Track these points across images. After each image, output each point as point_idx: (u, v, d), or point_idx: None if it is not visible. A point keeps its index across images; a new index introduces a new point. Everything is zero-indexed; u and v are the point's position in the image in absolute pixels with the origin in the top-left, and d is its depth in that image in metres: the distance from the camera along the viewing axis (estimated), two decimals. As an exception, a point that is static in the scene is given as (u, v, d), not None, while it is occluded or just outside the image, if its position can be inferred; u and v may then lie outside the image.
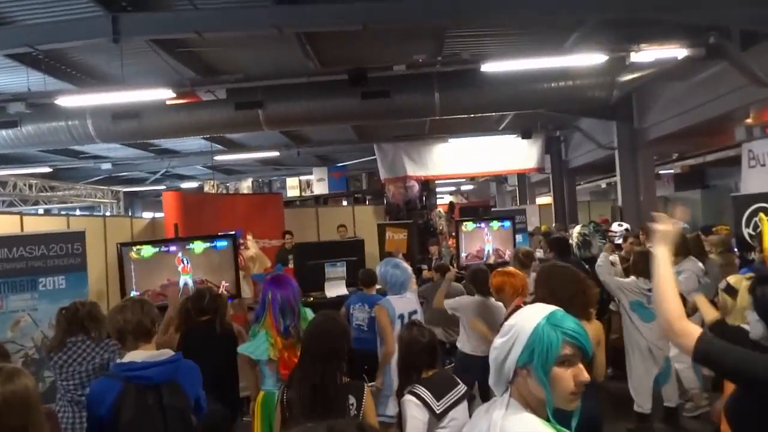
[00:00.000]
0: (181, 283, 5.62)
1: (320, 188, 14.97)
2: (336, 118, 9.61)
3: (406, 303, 4.17)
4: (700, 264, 5.28)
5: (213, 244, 5.90)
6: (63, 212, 13.30)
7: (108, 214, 13.68)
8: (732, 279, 4.00)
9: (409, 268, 4.38)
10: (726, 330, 2.92)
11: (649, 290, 4.85)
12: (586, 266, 6.25)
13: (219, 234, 6.27)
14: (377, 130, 13.58)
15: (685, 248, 5.28)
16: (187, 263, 5.63)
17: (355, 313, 5.17)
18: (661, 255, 1.85)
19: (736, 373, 1.75)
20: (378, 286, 5.06)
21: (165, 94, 7.48)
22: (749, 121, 10.05)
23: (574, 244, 6.75)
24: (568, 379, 1.39)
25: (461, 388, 2.72)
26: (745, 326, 2.59)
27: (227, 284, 5.77)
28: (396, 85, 8.46)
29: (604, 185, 20.29)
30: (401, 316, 4.01)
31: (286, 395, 2.54)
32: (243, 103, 8.44)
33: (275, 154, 14.77)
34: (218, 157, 14.35)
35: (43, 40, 6.55)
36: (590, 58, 7.47)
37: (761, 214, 5.53)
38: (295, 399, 2.49)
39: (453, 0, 6.56)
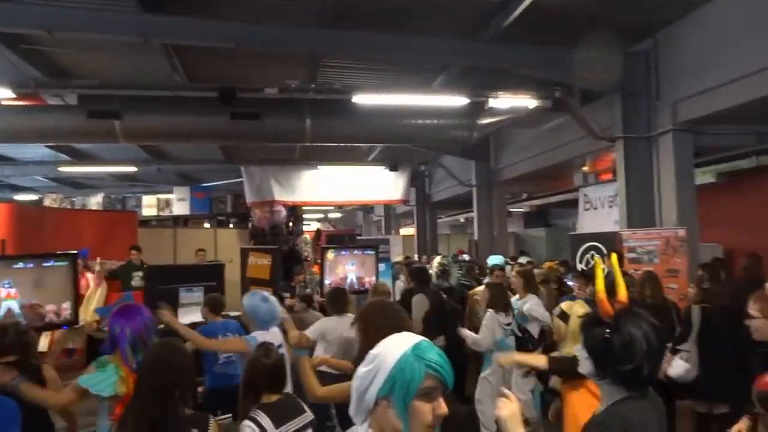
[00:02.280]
0: (3, 310, 4.94)
1: (181, 208, 14.14)
2: (202, 137, 9.21)
3: (271, 338, 4.02)
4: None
5: (48, 264, 5.28)
6: None
7: None
8: (564, 306, 4.45)
9: (277, 302, 4.21)
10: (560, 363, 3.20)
11: (508, 324, 5.19)
12: (444, 295, 6.58)
13: (55, 253, 5.63)
14: (245, 152, 13.24)
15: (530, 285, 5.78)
16: (11, 287, 4.96)
17: None
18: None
19: None
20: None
21: (4, 94, 6.66)
22: (585, 168, 11.34)
23: (433, 274, 7.06)
24: (427, 412, 1.36)
25: (307, 416, 2.66)
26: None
27: (66, 309, 5.19)
28: (267, 108, 8.34)
29: (462, 219, 21.58)
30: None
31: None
32: (97, 112, 7.77)
33: (132, 169, 13.72)
34: (64, 169, 13.01)
35: None
36: (454, 100, 7.98)
37: (597, 258, 6.16)
38: None
39: (327, 32, 6.68)
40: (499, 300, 5.23)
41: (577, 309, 4.22)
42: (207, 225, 14.37)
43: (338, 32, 6.74)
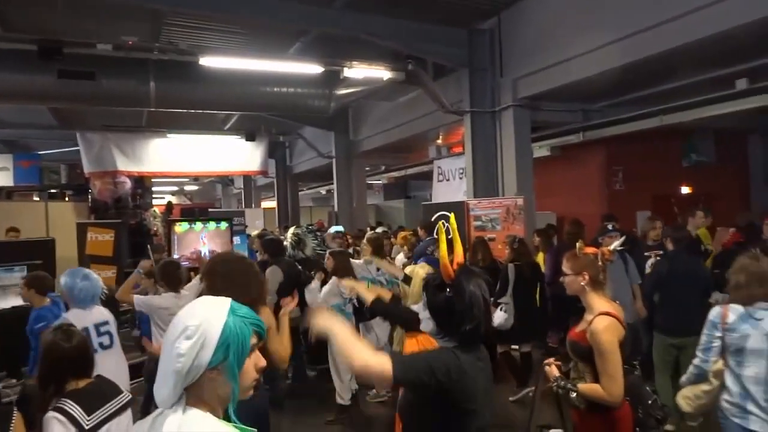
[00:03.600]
0: None
1: (3, 179, 12.43)
2: (24, 97, 8.07)
3: (93, 315, 3.67)
4: None
5: None
6: None
7: None
8: (408, 269, 4.65)
9: (98, 279, 3.83)
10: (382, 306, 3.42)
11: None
12: (299, 267, 6.51)
13: None
14: (83, 117, 11.93)
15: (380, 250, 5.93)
16: None
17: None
18: (336, 329, 1.98)
19: (432, 374, 1.90)
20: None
21: None
22: (439, 141, 11.82)
23: (288, 245, 6.95)
24: (251, 369, 1.39)
25: (124, 397, 2.45)
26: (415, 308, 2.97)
27: None
28: (103, 67, 7.55)
29: (324, 192, 21.58)
30: (86, 329, 3.48)
31: None
32: None
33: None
34: None
35: None
36: (309, 68, 7.82)
37: (440, 223, 6.45)
38: None
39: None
40: (341, 267, 5.30)
41: (419, 271, 4.40)
42: (37, 198, 12.83)
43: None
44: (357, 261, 5.92)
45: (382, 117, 11.53)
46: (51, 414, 2.17)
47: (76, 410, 2.21)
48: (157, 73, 7.98)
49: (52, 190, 12.49)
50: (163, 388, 1.32)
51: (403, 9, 7.19)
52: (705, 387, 3.00)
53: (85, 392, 2.32)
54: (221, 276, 2.46)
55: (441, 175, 11.18)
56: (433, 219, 8.04)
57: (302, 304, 5.54)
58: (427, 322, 2.08)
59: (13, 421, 2.14)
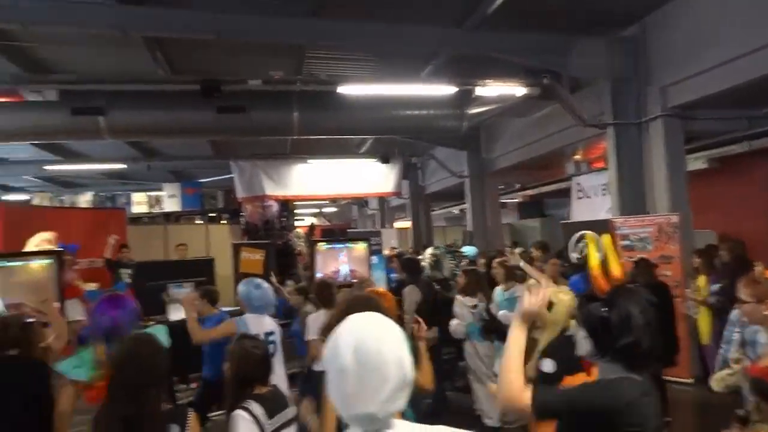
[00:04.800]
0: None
1: (172, 205, 14.03)
2: (188, 132, 9.09)
3: (263, 324, 4.06)
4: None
5: (34, 262, 5.21)
6: None
7: None
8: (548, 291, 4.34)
9: (271, 289, 4.27)
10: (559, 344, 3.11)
11: (474, 306, 5.14)
12: (437, 286, 6.52)
13: (41, 250, 5.54)
14: (235, 147, 13.12)
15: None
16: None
17: None
18: (517, 334, 1.94)
19: (572, 410, 1.83)
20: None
21: (-19, 91, 6.56)
22: (577, 157, 11.27)
23: (426, 265, 7.00)
24: None
25: (292, 410, 2.63)
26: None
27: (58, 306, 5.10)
28: (253, 101, 8.23)
29: (456, 211, 21.51)
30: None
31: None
32: (82, 108, 7.65)
33: (121, 166, 13.59)
34: (51, 167, 12.87)
35: None
36: (442, 89, 7.89)
37: (587, 234, 6.07)
38: None
39: (310, 22, 6.58)
40: (472, 285, 5.20)
41: (562, 297, 4.13)
42: (199, 221, 14.26)
43: (322, 22, 6.64)
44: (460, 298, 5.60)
45: (516, 134, 11.27)
46: (239, 412, 2.39)
47: (258, 411, 2.41)
48: (299, 103, 8.54)
49: (211, 214, 13.81)
50: (399, 401, 1.32)
51: (537, 23, 7.01)
52: (728, 371, 3.46)
53: (266, 397, 2.52)
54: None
55: (581, 192, 10.64)
56: (575, 238, 7.63)
57: (438, 324, 5.53)
58: (582, 343, 1.98)
59: (189, 421, 2.35)
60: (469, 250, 8.33)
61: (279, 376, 3.90)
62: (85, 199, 15.84)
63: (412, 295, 5.87)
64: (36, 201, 15.22)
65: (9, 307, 4.84)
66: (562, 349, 2.81)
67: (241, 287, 4.19)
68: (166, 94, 8.25)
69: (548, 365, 2.69)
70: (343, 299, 2.76)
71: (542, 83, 7.52)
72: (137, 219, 13.10)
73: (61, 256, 5.44)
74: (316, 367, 4.48)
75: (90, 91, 7.73)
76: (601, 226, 7.46)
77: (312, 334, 4.54)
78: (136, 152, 13.33)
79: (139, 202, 14.86)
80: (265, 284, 4.27)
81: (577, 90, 8.38)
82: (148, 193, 15.09)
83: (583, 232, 7.88)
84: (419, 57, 8.42)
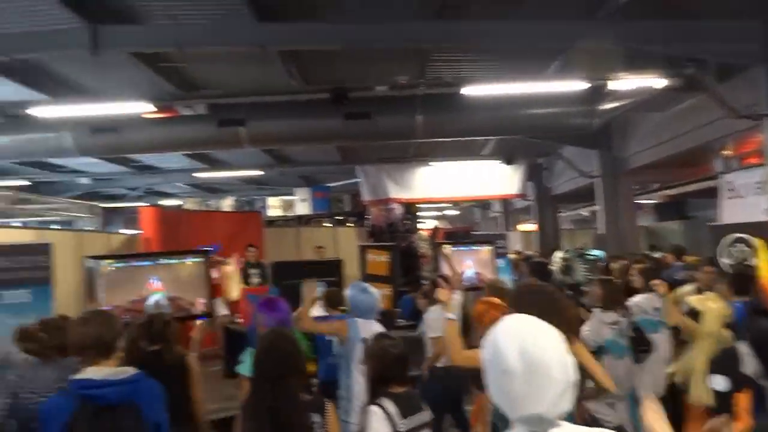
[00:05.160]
0: (152, 300, 5.46)
1: (303, 208, 14.87)
2: (318, 138, 9.58)
3: (371, 328, 4.05)
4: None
5: (185, 260, 5.76)
6: (39, 226, 13.04)
7: (84, 228, 13.47)
8: (694, 301, 3.86)
9: (377, 293, 4.27)
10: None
11: (614, 323, 4.76)
12: (569, 292, 6.24)
13: (192, 250, 6.12)
14: (362, 151, 13.58)
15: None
16: (158, 281, 5.48)
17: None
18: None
19: None
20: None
21: (145, 108, 7.39)
22: (727, 152, 10.21)
23: (557, 270, 6.74)
24: None
25: (427, 414, 2.63)
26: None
27: (203, 302, 5.62)
28: (378, 107, 8.47)
29: (586, 213, 20.46)
30: (364, 340, 3.88)
31: (243, 422, 2.42)
32: (225, 120, 8.37)
33: (258, 173, 14.65)
34: (198, 175, 14.20)
35: (19, 49, 6.46)
36: (572, 85, 7.56)
37: (760, 242, 5.43)
38: (252, 425, 2.38)
39: (434, 24, 6.62)
40: (610, 298, 4.80)
41: (710, 304, 3.73)
42: (327, 224, 14.94)
43: (446, 24, 6.65)
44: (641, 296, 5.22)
45: (653, 129, 10.47)
46: (372, 407, 2.47)
47: (394, 411, 2.45)
48: (423, 106, 8.63)
49: (339, 217, 14.39)
50: (565, 402, 1.33)
51: (678, 9, 6.48)
52: None
53: (401, 397, 2.54)
54: (528, 306, 2.45)
55: (731, 191, 9.60)
56: (727, 241, 6.94)
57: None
58: (748, 360, 1.75)
59: (328, 410, 2.48)
60: (597, 254, 7.85)
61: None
62: (227, 203, 17.28)
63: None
64: (187, 205, 16.86)
65: (169, 299, 5.39)
66: (728, 364, 2.58)
67: (349, 291, 4.23)
68: (299, 103, 8.76)
69: (721, 383, 2.46)
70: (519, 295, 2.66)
71: (685, 73, 6.93)
72: (272, 222, 14.00)
73: (209, 255, 5.96)
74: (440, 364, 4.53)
75: (233, 104, 8.43)
76: (757, 229, 6.72)
77: (433, 332, 4.55)
78: (271, 159, 14.28)
79: (274, 206, 15.91)
80: (372, 288, 4.24)
81: (726, 78, 7.61)
82: (282, 197, 16.10)
83: (737, 235, 7.17)
84: (544, 53, 8.14)
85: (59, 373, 2.94)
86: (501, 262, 8.98)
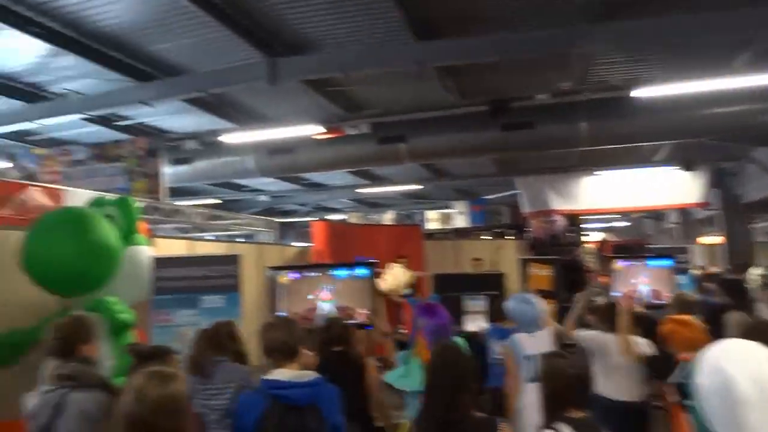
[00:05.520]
0: (323, 309, 5.84)
1: (461, 221, 14.92)
2: (477, 151, 9.57)
3: (536, 342, 3.87)
4: None
5: (355, 272, 6.09)
6: (227, 240, 14.68)
7: (264, 241, 14.93)
8: None
9: (542, 304, 4.10)
10: None
11: None
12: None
13: (359, 262, 6.44)
14: (520, 162, 13.26)
15: None
16: (329, 290, 5.85)
17: (493, 346, 5.00)
18: None
19: None
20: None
21: (316, 130, 8.01)
22: None
23: (754, 288, 5.95)
24: None
25: None
26: None
27: (366, 312, 5.88)
28: (539, 116, 8.22)
29: (786, 223, 17.75)
30: (527, 357, 3.72)
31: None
32: (386, 138, 8.75)
33: (417, 187, 15.01)
34: (360, 190, 14.91)
35: (212, 85, 7.39)
36: (763, 79, 6.66)
37: None
38: None
39: (599, 26, 6.27)
40: None
41: None
42: (487, 237, 14.78)
43: (612, 24, 6.26)
44: None
45: None
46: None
47: None
48: (588, 112, 8.20)
49: (497, 230, 14.17)
50: None
51: None
52: None
53: (580, 422, 2.26)
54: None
55: None
56: None
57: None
58: None
59: (501, 430, 2.43)
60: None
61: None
62: (387, 217, 17.94)
63: (738, 323, 5.00)
64: (350, 220, 17.83)
65: (338, 309, 5.72)
66: None
67: (510, 303, 4.11)
68: (456, 117, 8.85)
69: None
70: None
71: None
72: (431, 234, 14.23)
73: (375, 267, 6.23)
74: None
75: (393, 122, 8.77)
76: None
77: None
78: (429, 173, 14.55)
79: (432, 219, 16.15)
80: (534, 298, 4.08)
81: None
82: (441, 211, 16.32)
83: None
84: (730, 44, 7.27)
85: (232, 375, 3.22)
86: (682, 279, 8.14)
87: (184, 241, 7.88)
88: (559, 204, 11.60)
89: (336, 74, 7.19)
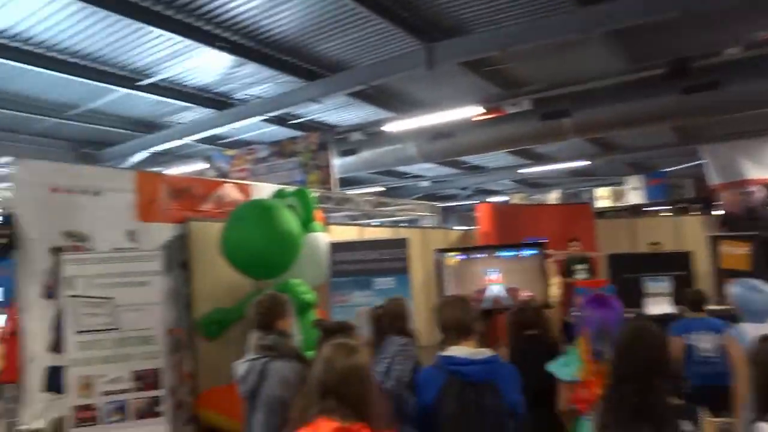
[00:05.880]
0: (492, 292, 5.84)
1: (635, 198, 13.75)
2: (652, 120, 8.72)
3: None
4: None
5: (521, 253, 5.99)
6: (391, 225, 15.27)
7: (426, 226, 15.31)
8: None
9: None
10: None
11: None
12: None
13: (526, 242, 6.31)
14: (704, 129, 11.84)
15: None
16: (497, 273, 5.83)
17: (698, 342, 4.55)
18: None
19: None
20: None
21: (474, 112, 7.96)
22: None
23: None
24: None
25: None
26: None
27: (530, 294, 5.75)
28: (726, 74, 7.26)
29: None
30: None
31: (601, 422, 2.33)
32: (549, 113, 8.39)
33: (583, 163, 14.18)
34: (523, 170, 14.49)
35: (373, 77, 7.70)
36: None
37: None
38: (611, 427, 2.26)
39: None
40: None
41: None
42: (667, 213, 13.48)
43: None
44: None
45: None
46: (762, 425, 2.10)
47: None
48: (790, 64, 7.06)
49: (679, 205, 12.85)
50: None
51: None
52: None
53: None
54: None
55: None
56: None
57: None
58: None
59: (701, 419, 2.22)
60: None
61: None
62: (552, 197, 17.22)
63: None
64: (513, 201, 17.43)
65: (508, 290, 5.68)
66: None
67: (735, 289, 3.74)
68: (627, 84, 8.20)
69: None
70: None
71: None
72: (601, 213, 13.35)
73: (544, 247, 6.05)
74: None
75: (556, 96, 8.37)
76: None
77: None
78: (596, 148, 13.66)
79: (602, 197, 15.13)
80: (766, 286, 3.63)
81: None
82: (612, 187, 15.23)
83: None
84: None
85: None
86: None
87: (355, 228, 8.35)
88: (755, 172, 10.15)
89: (493, 53, 7.05)
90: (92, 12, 6.20)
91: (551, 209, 11.90)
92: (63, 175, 4.86)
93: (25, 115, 9.40)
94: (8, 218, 4.47)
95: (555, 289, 5.61)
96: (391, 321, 3.50)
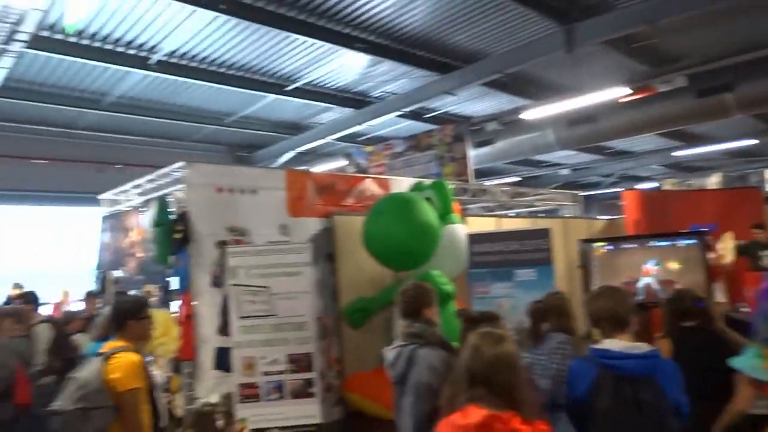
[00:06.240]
0: (643, 283, 5.46)
1: None
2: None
3: None
4: None
5: (677, 242, 5.53)
6: (529, 215, 14.78)
7: (567, 215, 14.60)
8: None
9: None
10: None
11: None
12: None
13: (683, 231, 5.80)
14: None
15: None
16: (654, 264, 5.45)
17: None
18: None
19: None
20: None
21: (620, 93, 7.45)
22: None
23: None
24: None
25: None
26: None
27: (679, 287, 5.27)
28: None
29: None
30: None
31: None
32: (708, 89, 7.61)
33: (749, 142, 12.66)
34: (677, 153, 13.28)
35: (508, 65, 7.52)
36: None
37: None
38: None
39: None
40: None
41: None
42: None
43: None
44: None
45: None
46: None
47: None
48: None
49: None
50: None
51: None
52: None
53: None
54: None
55: None
56: None
57: None
58: None
59: None
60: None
61: None
62: (713, 181, 15.57)
63: None
64: (665, 187, 16.04)
65: (661, 282, 5.28)
66: None
67: None
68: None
69: None
70: None
71: None
72: (774, 197, 11.81)
73: (704, 236, 5.53)
74: None
75: (715, 69, 7.58)
76: None
77: None
78: (764, 125, 12.12)
79: (773, 179, 13.41)
80: None
81: None
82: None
83: None
84: None
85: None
86: None
87: (492, 219, 8.23)
88: None
89: (640, 28, 6.55)
90: (244, 27, 6.78)
91: (711, 194, 10.76)
92: (226, 177, 5.37)
93: (188, 124, 10.54)
94: (182, 216, 5.03)
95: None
96: (551, 317, 3.45)
